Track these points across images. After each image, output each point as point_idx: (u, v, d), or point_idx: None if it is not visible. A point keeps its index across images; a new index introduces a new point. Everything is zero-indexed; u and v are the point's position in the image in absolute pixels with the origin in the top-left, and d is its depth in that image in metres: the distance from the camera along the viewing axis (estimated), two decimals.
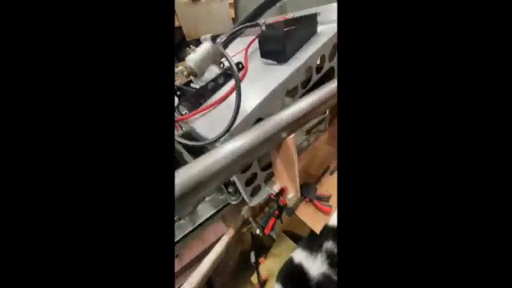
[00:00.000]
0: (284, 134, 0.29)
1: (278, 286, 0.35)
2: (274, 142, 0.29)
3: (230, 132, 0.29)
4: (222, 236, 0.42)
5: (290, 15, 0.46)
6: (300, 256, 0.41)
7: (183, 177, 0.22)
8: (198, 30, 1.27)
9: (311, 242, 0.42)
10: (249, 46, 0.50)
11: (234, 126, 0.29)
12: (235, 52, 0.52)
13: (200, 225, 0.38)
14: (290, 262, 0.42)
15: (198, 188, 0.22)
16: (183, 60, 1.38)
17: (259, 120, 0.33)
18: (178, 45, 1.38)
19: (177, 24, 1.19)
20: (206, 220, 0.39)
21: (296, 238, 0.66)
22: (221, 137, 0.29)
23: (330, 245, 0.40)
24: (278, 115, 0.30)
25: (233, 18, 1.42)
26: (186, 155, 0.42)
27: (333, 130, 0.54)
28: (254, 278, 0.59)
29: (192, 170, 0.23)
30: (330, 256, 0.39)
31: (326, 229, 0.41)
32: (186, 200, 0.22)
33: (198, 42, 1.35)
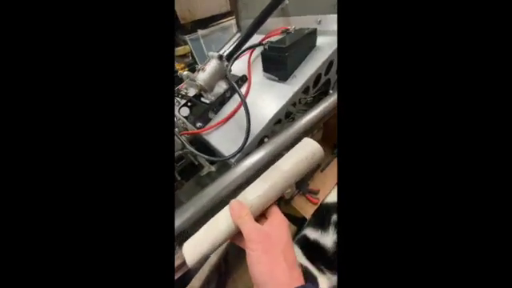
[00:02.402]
0: (285, 152, 0.37)
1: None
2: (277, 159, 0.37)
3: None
4: None
5: (291, 28, 0.48)
6: (314, 235, 0.49)
7: (216, 188, 0.31)
8: (192, 11, 1.19)
9: (321, 220, 0.50)
10: (251, 56, 0.53)
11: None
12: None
13: None
14: (306, 238, 0.49)
15: (226, 196, 0.32)
16: (179, 45, 1.32)
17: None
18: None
19: None
20: None
21: (287, 218, 0.80)
22: (234, 155, 0.37)
23: (335, 217, 0.48)
24: (279, 137, 0.37)
25: None
26: (199, 158, 0.50)
27: (325, 131, 0.62)
28: None
29: (222, 182, 0.32)
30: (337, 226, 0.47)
31: (328, 206, 0.51)
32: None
33: (193, 25, 1.27)
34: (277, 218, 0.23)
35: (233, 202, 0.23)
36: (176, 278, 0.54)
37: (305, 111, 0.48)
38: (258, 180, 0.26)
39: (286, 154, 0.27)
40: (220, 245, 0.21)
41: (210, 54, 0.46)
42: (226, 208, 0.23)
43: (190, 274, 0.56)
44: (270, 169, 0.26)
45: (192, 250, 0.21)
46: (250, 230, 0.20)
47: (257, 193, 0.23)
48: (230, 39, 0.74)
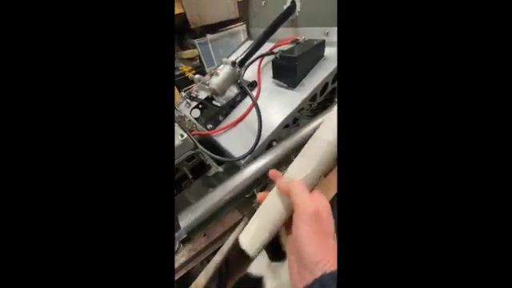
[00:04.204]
0: (293, 156, 0.39)
1: None
2: (285, 162, 0.38)
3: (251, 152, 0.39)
4: (237, 221, 0.56)
5: (300, 38, 0.51)
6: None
7: (227, 188, 0.33)
8: (202, 16, 1.23)
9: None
10: (260, 63, 0.55)
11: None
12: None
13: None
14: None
15: (235, 196, 0.33)
16: (187, 49, 1.36)
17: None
18: (182, 32, 1.34)
19: (181, 10, 1.15)
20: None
21: None
22: (245, 157, 0.39)
23: None
24: (287, 141, 0.39)
25: (238, 1, 1.35)
26: (208, 158, 0.51)
27: None
28: None
29: (231, 183, 0.34)
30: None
31: None
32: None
33: (202, 30, 1.31)
34: (321, 199, 0.21)
35: (281, 182, 0.21)
36: (179, 276, 0.55)
37: (310, 117, 0.50)
38: (300, 156, 0.23)
39: (323, 122, 0.24)
40: (277, 229, 0.21)
41: (224, 59, 0.48)
42: (274, 191, 0.22)
43: (192, 273, 0.57)
44: (310, 140, 0.23)
45: (250, 240, 0.21)
46: (304, 203, 0.19)
47: (305, 172, 0.21)
48: (240, 46, 0.77)
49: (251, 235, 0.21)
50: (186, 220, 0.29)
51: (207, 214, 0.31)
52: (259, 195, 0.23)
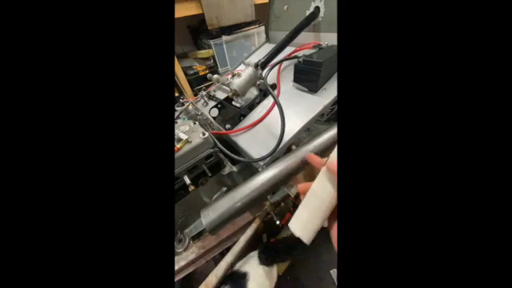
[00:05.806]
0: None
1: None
2: (303, 169, 0.38)
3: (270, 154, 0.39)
4: (248, 222, 0.55)
5: (323, 44, 0.51)
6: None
7: (245, 189, 0.33)
8: (220, 18, 1.25)
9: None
10: (280, 66, 0.56)
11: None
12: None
13: None
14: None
15: (255, 198, 0.33)
16: (202, 48, 1.39)
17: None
18: (199, 32, 1.37)
19: (200, 11, 1.17)
20: None
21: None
22: (265, 158, 0.39)
23: None
24: (307, 146, 0.39)
25: (255, 5, 1.36)
26: (225, 158, 0.52)
27: None
28: None
29: (251, 184, 0.34)
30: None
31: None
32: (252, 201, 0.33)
33: (218, 32, 1.33)
34: None
35: (332, 162, 0.20)
36: (188, 273, 0.55)
37: (319, 122, 0.49)
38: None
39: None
40: (329, 213, 0.20)
41: (246, 61, 0.49)
42: (321, 176, 0.21)
43: (197, 273, 0.57)
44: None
45: (304, 228, 0.20)
46: None
47: None
48: (258, 48, 0.77)
49: (304, 222, 0.21)
50: (207, 218, 0.30)
51: (228, 214, 0.31)
52: (300, 186, 0.22)
